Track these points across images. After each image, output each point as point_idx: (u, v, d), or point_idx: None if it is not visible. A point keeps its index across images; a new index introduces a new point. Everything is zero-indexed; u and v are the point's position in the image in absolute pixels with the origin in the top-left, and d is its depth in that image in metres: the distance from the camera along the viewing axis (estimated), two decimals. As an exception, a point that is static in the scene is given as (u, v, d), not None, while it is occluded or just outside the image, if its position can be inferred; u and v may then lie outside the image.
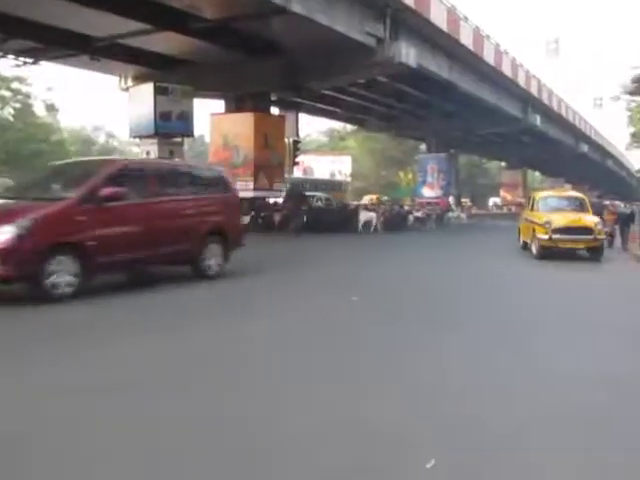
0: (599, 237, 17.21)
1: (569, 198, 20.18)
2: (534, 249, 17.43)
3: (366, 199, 48.54)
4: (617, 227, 22.82)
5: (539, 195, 20.06)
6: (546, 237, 16.81)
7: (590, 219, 17.67)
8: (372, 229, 27.68)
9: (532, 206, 19.23)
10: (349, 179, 61.22)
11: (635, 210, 24.58)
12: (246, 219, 24.97)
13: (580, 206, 18.80)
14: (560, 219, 17.19)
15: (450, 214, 41.33)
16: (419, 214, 32.64)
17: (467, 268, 15.98)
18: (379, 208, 32.20)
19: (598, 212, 21.22)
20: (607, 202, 29.56)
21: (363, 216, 27.94)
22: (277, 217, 26.22)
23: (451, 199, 44.49)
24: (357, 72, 28.24)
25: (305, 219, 26.09)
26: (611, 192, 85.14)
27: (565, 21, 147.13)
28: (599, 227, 17.31)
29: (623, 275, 16.01)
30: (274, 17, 22.26)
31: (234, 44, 25.91)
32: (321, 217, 28.52)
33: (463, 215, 43.52)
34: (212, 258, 12.11)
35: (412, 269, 15.77)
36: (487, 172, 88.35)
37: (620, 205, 24.31)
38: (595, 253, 17.47)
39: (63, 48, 26.62)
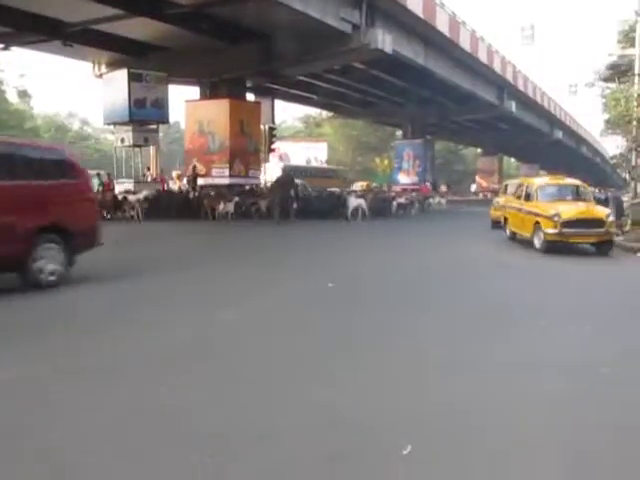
0: (610, 230, 15.87)
1: (569, 186, 18.55)
2: (537, 243, 15.98)
3: (357, 186, 48.39)
4: None
5: (536, 183, 17.98)
6: (554, 231, 15.39)
7: (600, 210, 16.46)
8: (360, 216, 27.03)
9: (527, 195, 17.62)
10: (325, 165, 61.12)
11: (610, 196, 23.54)
12: (230, 206, 24.90)
13: (582, 195, 17.57)
14: (569, 211, 15.77)
15: (431, 200, 41.40)
16: (402, 200, 32.56)
17: (468, 256, 15.70)
18: (367, 195, 31.90)
19: None
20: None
21: (352, 202, 27.26)
22: (263, 204, 25.69)
23: (428, 185, 44.54)
24: (333, 58, 28.17)
25: (296, 206, 25.09)
26: (587, 179, 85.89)
27: (540, 8, 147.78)
28: (610, 219, 15.96)
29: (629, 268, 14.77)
30: (249, 2, 22.14)
31: (209, 30, 25.67)
32: (310, 204, 27.99)
33: (443, 201, 43.56)
34: (48, 262, 9.47)
35: (408, 255, 15.82)
36: (463, 158, 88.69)
37: (594, 191, 23.05)
38: (604, 247, 15.88)
39: (35, 33, 26.24)
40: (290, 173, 28.03)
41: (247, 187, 30.91)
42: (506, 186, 24.70)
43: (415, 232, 23.99)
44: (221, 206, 24.79)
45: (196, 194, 27.21)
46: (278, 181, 25.49)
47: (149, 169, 32.02)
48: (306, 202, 27.55)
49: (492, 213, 23.98)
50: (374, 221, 27.13)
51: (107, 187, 25.60)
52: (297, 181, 27.07)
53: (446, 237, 21.58)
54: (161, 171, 32.58)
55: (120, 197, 24.96)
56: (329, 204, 28.60)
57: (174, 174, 35.80)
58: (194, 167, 29.24)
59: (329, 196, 30.80)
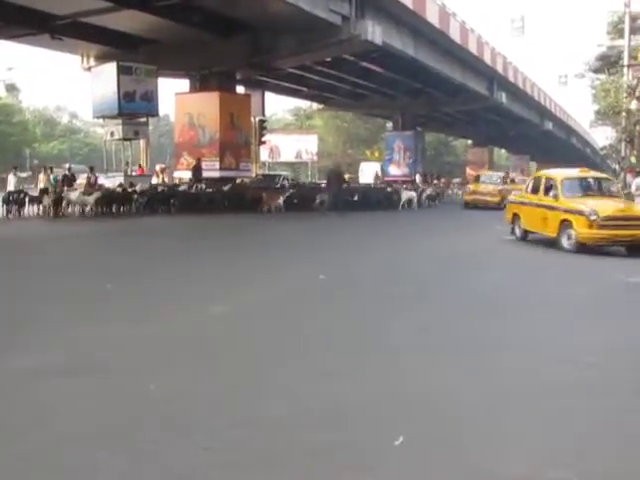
0: None
1: (596, 180, 17.04)
2: (566, 243, 14.54)
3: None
4: None
5: (558, 176, 16.21)
6: (590, 231, 14.04)
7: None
8: (413, 206, 29.90)
9: (546, 189, 15.99)
10: (315, 157, 61.05)
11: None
12: (281, 200, 25.13)
13: (606, 190, 16.35)
14: (606, 208, 14.41)
15: (449, 192, 44.69)
16: (429, 192, 34.06)
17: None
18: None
19: None
20: None
21: (405, 195, 29.99)
22: (318, 198, 25.90)
23: (417, 177, 44.49)
24: (323, 50, 28.08)
25: (356, 198, 26.88)
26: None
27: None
28: None
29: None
30: (239, -6, 22.04)
31: (199, 23, 25.54)
32: (368, 196, 29.43)
33: (460, 192, 44.21)
34: None
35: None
36: (454, 150, 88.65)
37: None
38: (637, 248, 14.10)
39: (23, 27, 26.05)
40: (341, 169, 32.27)
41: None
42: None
43: (451, 220, 26.32)
44: (280, 200, 25.27)
45: (202, 187, 26.59)
46: (331, 176, 27.19)
47: (128, 163, 31.49)
48: (367, 193, 30.32)
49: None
50: (410, 211, 29.00)
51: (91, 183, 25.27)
52: (287, 174, 27.90)
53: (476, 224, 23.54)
54: (138, 165, 31.96)
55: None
56: (379, 197, 30.35)
57: (157, 168, 35.44)
58: (198, 160, 28.92)
59: (378, 190, 33.82)
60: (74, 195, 22.68)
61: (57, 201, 21.86)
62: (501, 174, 35.86)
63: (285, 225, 21.86)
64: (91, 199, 22.05)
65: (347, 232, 19.81)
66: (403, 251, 14.91)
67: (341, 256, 13.83)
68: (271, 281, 10.32)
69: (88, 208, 22.39)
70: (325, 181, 29.48)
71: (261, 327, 7.29)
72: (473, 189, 32.32)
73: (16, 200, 21.79)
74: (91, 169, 26.91)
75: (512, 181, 34.64)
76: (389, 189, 32.94)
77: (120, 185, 25.42)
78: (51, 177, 24.68)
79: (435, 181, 44.13)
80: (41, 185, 22.73)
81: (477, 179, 33.44)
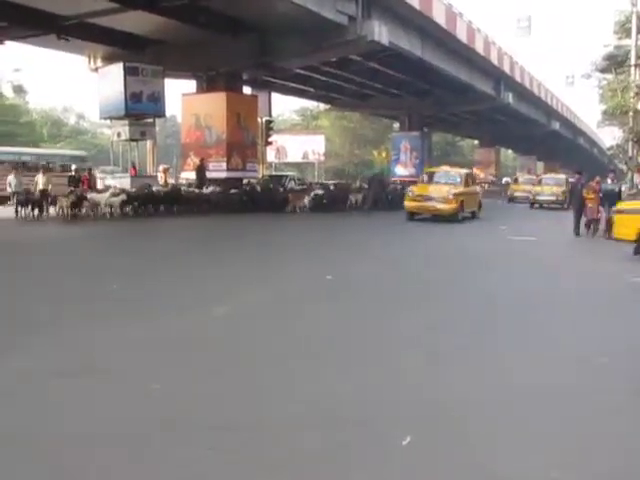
0: None
1: None
2: None
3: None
4: (601, 209, 19.16)
5: None
6: None
7: None
8: None
9: None
10: (322, 158, 61.02)
11: (622, 188, 21.65)
12: (306, 200, 26.37)
13: None
14: None
15: None
16: None
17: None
18: None
19: (577, 191, 19.92)
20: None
21: None
22: (354, 198, 28.51)
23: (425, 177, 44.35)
24: (329, 51, 28.05)
25: (389, 198, 29.56)
26: (584, 170, 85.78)
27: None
28: None
29: None
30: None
31: (205, 23, 25.54)
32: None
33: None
34: None
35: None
36: (460, 150, 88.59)
37: (607, 181, 20.63)
38: None
39: (30, 27, 26.09)
40: (383, 174, 39.65)
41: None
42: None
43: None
44: (305, 200, 26.45)
45: (209, 189, 26.40)
46: (373, 180, 30.79)
47: (134, 164, 31.41)
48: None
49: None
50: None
51: (86, 183, 24.88)
52: (294, 175, 28.26)
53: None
54: (132, 164, 31.65)
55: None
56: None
57: (161, 168, 35.31)
58: (202, 160, 28.93)
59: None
60: (101, 197, 22.40)
61: (76, 203, 21.52)
62: (464, 171, 27.61)
63: (315, 223, 23.06)
64: (117, 200, 21.95)
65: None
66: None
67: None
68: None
69: (108, 209, 22.05)
70: (366, 184, 31.64)
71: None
72: (417, 192, 23.83)
73: (32, 201, 21.44)
74: (89, 170, 26.66)
75: (478, 182, 35.45)
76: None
77: (146, 186, 25.24)
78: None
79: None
80: (40, 187, 22.34)
81: (430, 177, 25.79)
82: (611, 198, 18.57)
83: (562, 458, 4.02)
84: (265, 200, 26.16)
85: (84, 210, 21.81)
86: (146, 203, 23.57)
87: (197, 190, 26.42)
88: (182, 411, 4.66)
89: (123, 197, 22.10)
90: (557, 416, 4.73)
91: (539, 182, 37.76)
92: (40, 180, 22.49)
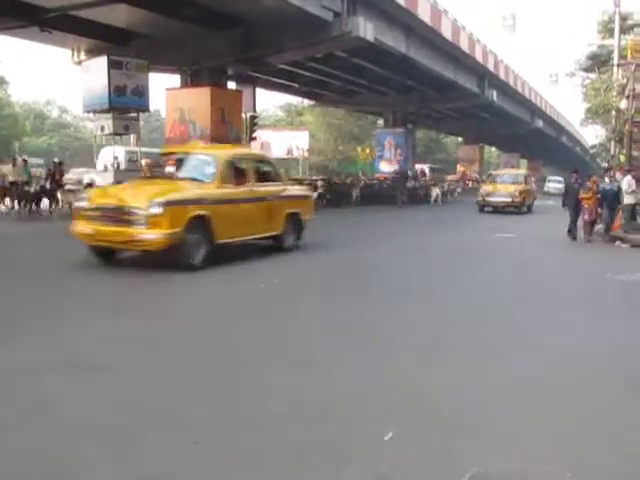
0: None
1: None
2: None
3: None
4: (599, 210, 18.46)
5: None
6: None
7: None
8: (433, 201, 35.58)
9: None
10: (306, 154, 60.89)
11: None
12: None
13: None
14: None
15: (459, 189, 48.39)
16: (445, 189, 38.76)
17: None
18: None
19: (573, 191, 18.76)
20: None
21: (434, 192, 35.61)
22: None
23: (410, 174, 44.44)
24: (314, 46, 27.99)
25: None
26: (566, 168, 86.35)
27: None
28: None
29: None
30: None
31: (190, 17, 25.42)
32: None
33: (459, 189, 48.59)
34: None
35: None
36: (444, 147, 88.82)
37: (605, 180, 19.66)
38: None
39: (12, 19, 25.75)
40: (407, 173, 41.27)
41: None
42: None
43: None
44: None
45: None
46: (401, 175, 35.84)
47: (117, 158, 31.15)
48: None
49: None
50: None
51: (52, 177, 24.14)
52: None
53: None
54: (115, 158, 31.41)
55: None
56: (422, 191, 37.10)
57: (143, 162, 34.90)
58: None
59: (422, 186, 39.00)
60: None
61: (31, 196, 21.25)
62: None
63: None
64: None
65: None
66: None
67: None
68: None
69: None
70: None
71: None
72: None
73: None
74: (60, 163, 26.04)
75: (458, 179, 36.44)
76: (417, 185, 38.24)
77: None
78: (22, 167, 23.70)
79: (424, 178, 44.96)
80: (10, 178, 21.97)
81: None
82: (610, 198, 18.03)
83: (549, 452, 4.06)
84: None
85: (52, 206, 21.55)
86: None
87: None
88: (169, 407, 4.67)
89: None
90: (542, 411, 4.78)
91: (492, 179, 33.03)
92: (9, 171, 22.24)
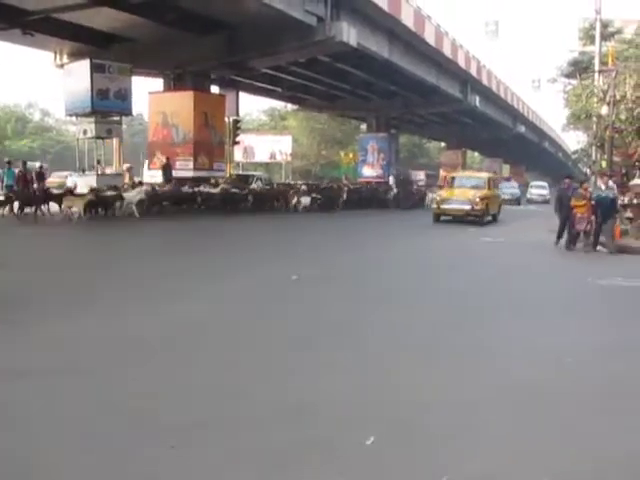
0: None
1: None
2: None
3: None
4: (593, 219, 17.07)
5: None
6: None
7: None
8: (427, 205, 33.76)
9: None
10: (290, 158, 60.87)
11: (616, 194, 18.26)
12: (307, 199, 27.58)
13: None
14: None
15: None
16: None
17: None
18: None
19: (566, 198, 17.40)
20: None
21: (429, 196, 34.54)
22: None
23: (391, 179, 44.57)
24: (298, 51, 28.11)
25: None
26: (549, 173, 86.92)
27: (504, 3, 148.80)
28: None
29: None
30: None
31: (173, 21, 25.42)
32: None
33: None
34: None
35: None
36: (427, 152, 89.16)
37: (600, 187, 17.83)
38: None
39: (-7, 21, 25.69)
40: (410, 177, 44.20)
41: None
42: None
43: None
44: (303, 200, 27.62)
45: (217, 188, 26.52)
46: (402, 180, 37.08)
47: (100, 162, 30.96)
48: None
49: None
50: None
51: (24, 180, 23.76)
52: (262, 175, 28.65)
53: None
54: (98, 162, 31.13)
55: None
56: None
57: (124, 167, 34.64)
58: (168, 159, 28.73)
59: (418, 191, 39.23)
60: (129, 194, 22.11)
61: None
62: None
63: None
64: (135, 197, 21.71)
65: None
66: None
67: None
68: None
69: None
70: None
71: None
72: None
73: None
74: (40, 167, 25.34)
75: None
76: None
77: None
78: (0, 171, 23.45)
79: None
80: None
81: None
82: (605, 207, 16.59)
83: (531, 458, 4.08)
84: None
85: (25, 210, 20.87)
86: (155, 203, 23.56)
87: (209, 190, 26.51)
88: (147, 410, 4.65)
89: (142, 196, 22.06)
90: (526, 415, 4.81)
91: (449, 183, 27.78)
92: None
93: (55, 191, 22.64)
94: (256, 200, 26.67)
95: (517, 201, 47.37)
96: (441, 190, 28.10)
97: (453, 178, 28.08)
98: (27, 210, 20.43)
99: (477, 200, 24.24)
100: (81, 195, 21.15)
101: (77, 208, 20.06)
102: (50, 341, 6.44)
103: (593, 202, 16.72)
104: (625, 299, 10.12)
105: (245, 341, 6.73)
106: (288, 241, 17.68)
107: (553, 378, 5.75)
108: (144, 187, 23.57)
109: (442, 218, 24.81)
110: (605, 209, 16.55)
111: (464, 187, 25.66)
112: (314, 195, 28.93)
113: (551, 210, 19.41)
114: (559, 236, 17.52)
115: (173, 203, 24.18)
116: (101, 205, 21.46)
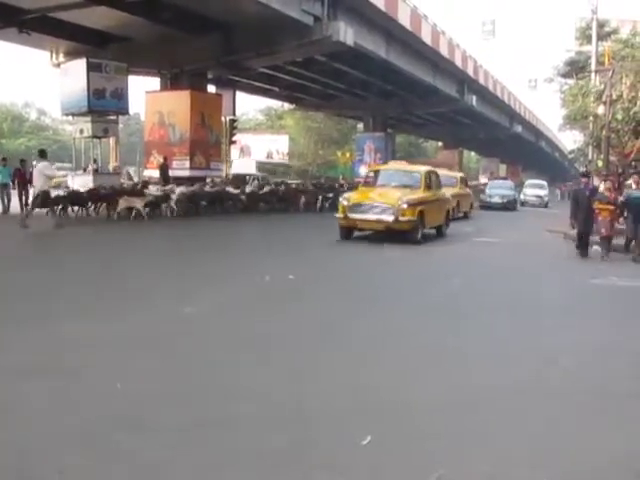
0: None
1: None
2: None
3: None
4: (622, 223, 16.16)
5: None
6: None
7: None
8: None
9: None
10: (286, 158, 60.91)
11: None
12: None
13: None
14: None
15: None
16: None
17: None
18: None
19: (584, 199, 15.65)
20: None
21: None
22: None
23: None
24: (295, 50, 28.02)
25: None
26: (546, 172, 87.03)
27: (501, 3, 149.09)
28: None
29: None
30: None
31: (170, 20, 25.35)
32: None
33: None
34: None
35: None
36: (424, 152, 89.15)
37: (631, 186, 16.05)
38: None
39: (-11, 20, 25.62)
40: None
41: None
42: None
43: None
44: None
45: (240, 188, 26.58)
46: None
47: (96, 161, 30.87)
48: None
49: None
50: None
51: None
52: (259, 175, 28.46)
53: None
54: (94, 161, 31.01)
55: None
56: None
57: (111, 167, 34.32)
58: (165, 159, 28.55)
59: None
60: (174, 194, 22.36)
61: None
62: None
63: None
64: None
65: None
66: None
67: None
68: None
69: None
70: None
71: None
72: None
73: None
74: (21, 161, 24.82)
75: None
76: None
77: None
78: None
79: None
80: None
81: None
82: (638, 208, 15.05)
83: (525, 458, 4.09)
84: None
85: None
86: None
87: (234, 190, 26.54)
88: (148, 410, 4.64)
89: (182, 195, 22.36)
90: (517, 416, 4.81)
91: (371, 180, 19.16)
92: None
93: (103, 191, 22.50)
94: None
95: (509, 206, 36.34)
96: (353, 192, 18.88)
97: (377, 172, 20.10)
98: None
99: (403, 207, 16.17)
100: (140, 195, 21.49)
101: (139, 207, 20.27)
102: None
103: (620, 202, 15.49)
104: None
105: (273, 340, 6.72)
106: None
107: (551, 378, 5.77)
108: (180, 187, 23.61)
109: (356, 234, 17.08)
110: (637, 211, 15.06)
111: (392, 186, 17.73)
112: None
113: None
114: (583, 246, 15.56)
115: (209, 202, 24.22)
116: (155, 205, 21.83)
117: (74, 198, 21.15)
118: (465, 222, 25.26)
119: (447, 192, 21.26)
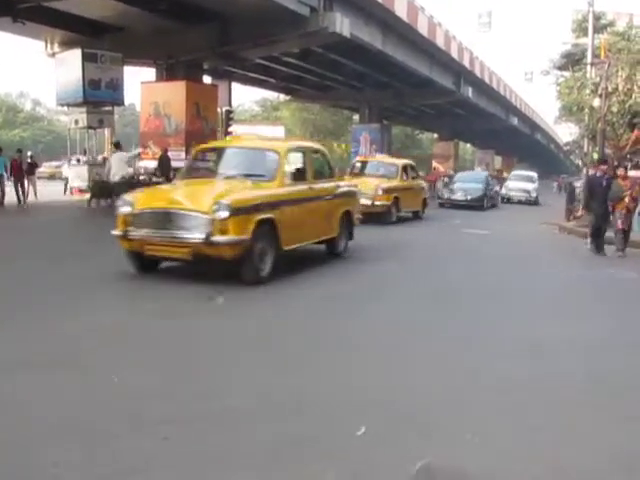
0: None
1: None
2: None
3: None
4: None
5: None
6: None
7: None
8: None
9: None
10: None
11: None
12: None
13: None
14: None
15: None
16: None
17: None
18: None
19: (600, 190, 14.54)
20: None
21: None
22: None
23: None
24: (291, 41, 27.95)
25: None
26: (542, 164, 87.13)
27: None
28: None
29: None
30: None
31: (166, 10, 25.23)
32: None
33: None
34: None
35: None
36: (420, 143, 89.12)
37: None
38: None
39: (-18, 9, 25.46)
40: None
41: None
42: None
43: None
44: None
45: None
46: None
47: (90, 151, 30.70)
48: None
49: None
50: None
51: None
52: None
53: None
54: (84, 151, 30.80)
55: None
56: None
57: (100, 157, 34.02)
58: (165, 150, 28.16)
59: None
60: None
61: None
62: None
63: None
64: None
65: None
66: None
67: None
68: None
69: None
70: None
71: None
72: None
73: None
74: (18, 151, 24.51)
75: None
76: None
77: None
78: None
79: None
80: None
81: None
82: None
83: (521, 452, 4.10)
84: None
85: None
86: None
87: None
88: (141, 404, 4.65)
89: None
90: (511, 408, 4.83)
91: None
92: None
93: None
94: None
95: (474, 203, 30.07)
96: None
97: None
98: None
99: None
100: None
101: None
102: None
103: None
104: None
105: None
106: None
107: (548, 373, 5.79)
108: None
109: None
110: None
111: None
112: None
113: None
114: (599, 241, 14.64)
115: None
116: None
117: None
118: (399, 227, 19.29)
119: (381, 185, 19.27)
